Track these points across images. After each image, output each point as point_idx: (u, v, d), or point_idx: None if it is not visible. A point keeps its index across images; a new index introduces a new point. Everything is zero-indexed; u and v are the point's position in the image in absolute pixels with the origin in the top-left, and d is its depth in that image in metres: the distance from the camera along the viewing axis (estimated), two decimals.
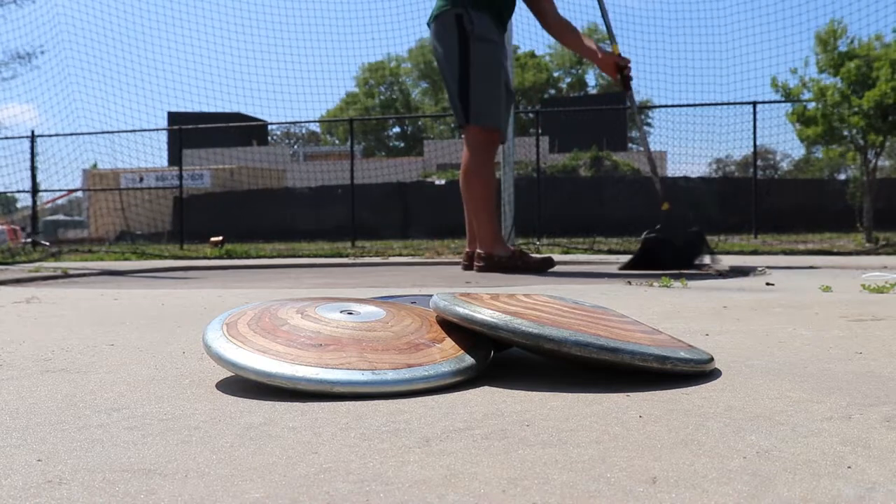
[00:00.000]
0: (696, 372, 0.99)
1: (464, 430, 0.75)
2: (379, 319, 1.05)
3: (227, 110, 21.28)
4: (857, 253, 5.93)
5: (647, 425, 0.76)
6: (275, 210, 18.51)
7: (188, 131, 16.51)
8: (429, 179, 20.52)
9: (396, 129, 47.47)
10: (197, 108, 21.97)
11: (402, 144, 45.90)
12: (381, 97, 47.49)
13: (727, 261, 4.75)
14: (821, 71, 8.46)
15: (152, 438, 0.74)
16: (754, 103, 10.96)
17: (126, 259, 7.04)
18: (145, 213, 18.10)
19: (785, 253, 6.12)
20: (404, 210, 18.15)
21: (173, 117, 24.81)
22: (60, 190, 16.23)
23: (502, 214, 7.55)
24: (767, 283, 2.73)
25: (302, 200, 18.95)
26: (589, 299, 1.30)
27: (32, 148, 11.71)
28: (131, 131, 13.85)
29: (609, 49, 4.12)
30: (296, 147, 39.55)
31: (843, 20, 8.48)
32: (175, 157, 17.61)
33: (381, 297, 1.40)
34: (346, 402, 0.87)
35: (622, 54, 4.08)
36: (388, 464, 0.65)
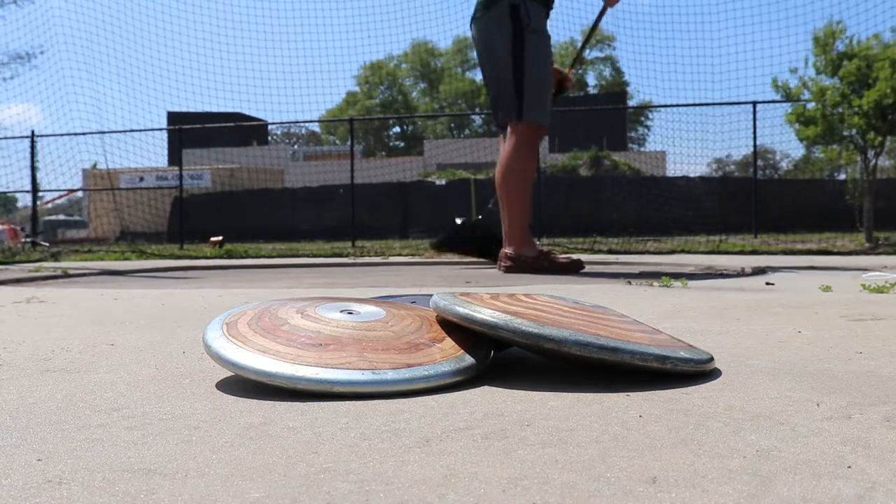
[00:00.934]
0: (696, 372, 0.99)
1: (464, 430, 0.75)
2: (379, 319, 1.05)
3: (227, 110, 21.27)
4: (857, 253, 5.93)
5: (647, 425, 0.76)
6: (275, 210, 18.51)
7: (188, 131, 16.51)
8: (429, 179, 20.51)
9: (396, 129, 47.48)
10: (197, 108, 21.96)
11: (402, 144, 45.91)
12: (381, 97, 47.50)
13: (726, 261, 4.75)
14: (818, 73, 8.46)
15: (152, 438, 0.74)
16: (754, 103, 10.96)
17: (126, 259, 7.04)
18: (145, 213, 18.09)
19: (784, 253, 6.12)
20: (404, 210, 18.14)
21: (173, 117, 24.80)
22: (60, 190, 16.24)
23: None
24: (767, 283, 2.73)
25: (302, 200, 18.95)
26: (589, 299, 1.30)
27: (32, 148, 11.71)
28: (131, 131, 13.87)
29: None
30: (296, 147, 39.55)
31: (842, 20, 8.47)
32: (175, 157, 17.61)
33: (381, 297, 1.40)
34: (346, 402, 0.87)
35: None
36: (388, 463, 0.65)
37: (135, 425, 0.79)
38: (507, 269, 3.81)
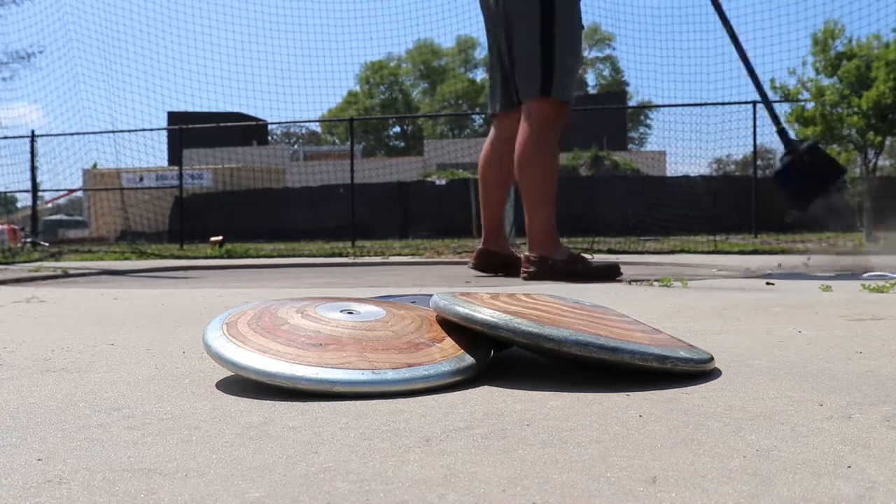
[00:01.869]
0: (696, 371, 0.99)
1: (464, 430, 0.75)
2: (379, 319, 1.05)
3: (227, 110, 21.27)
4: (857, 253, 5.93)
5: (647, 425, 0.76)
6: (275, 210, 18.51)
7: (188, 131, 16.51)
8: (429, 179, 20.51)
9: (396, 129, 47.48)
10: (197, 108, 21.96)
11: (402, 144, 45.92)
12: (382, 97, 47.51)
13: (724, 261, 4.75)
14: (817, 73, 8.48)
15: (152, 438, 0.74)
16: (754, 103, 10.95)
17: (126, 259, 7.04)
18: (146, 212, 18.09)
19: (784, 252, 6.12)
20: (404, 210, 18.15)
21: (173, 117, 24.79)
22: (60, 190, 16.24)
23: (503, 215, 7.54)
24: (768, 283, 2.73)
25: (302, 200, 18.95)
26: (589, 299, 1.29)
27: (32, 148, 11.71)
28: (131, 131, 13.84)
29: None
30: (296, 147, 39.55)
31: (840, 21, 8.50)
32: (175, 157, 17.61)
33: (381, 297, 1.40)
34: (346, 402, 0.87)
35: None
36: (388, 463, 0.65)
37: (135, 425, 0.79)
38: (531, 276, 3.19)
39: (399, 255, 6.72)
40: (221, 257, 6.99)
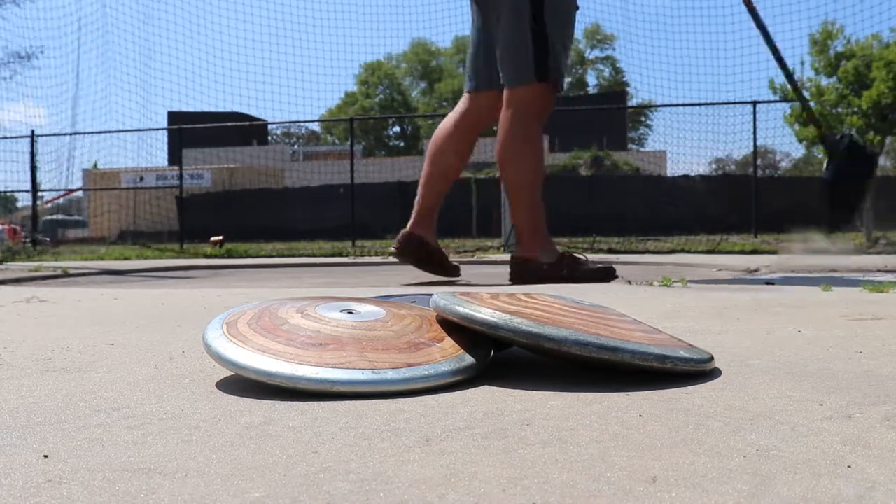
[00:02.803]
0: (696, 371, 0.99)
1: (464, 430, 0.75)
2: (379, 319, 1.05)
3: (227, 110, 21.27)
4: (857, 252, 5.93)
5: (647, 424, 0.76)
6: (275, 210, 18.51)
7: (188, 131, 16.50)
8: None
9: (396, 129, 47.47)
10: (197, 108, 21.97)
11: (402, 144, 45.91)
12: (381, 97, 47.51)
13: (724, 261, 4.75)
14: (816, 73, 8.49)
15: (152, 438, 0.74)
16: (754, 103, 10.96)
17: (126, 259, 7.04)
18: (145, 212, 18.09)
19: (784, 253, 6.12)
20: (404, 210, 18.14)
21: (173, 117, 24.80)
22: (60, 190, 16.23)
23: (502, 214, 7.54)
24: (767, 283, 2.73)
25: (302, 200, 18.95)
26: (589, 299, 1.29)
27: (32, 148, 11.71)
28: (131, 131, 13.85)
29: None
30: (295, 147, 39.56)
31: (837, 21, 8.52)
32: (175, 157, 17.60)
33: (381, 297, 1.40)
34: (346, 402, 0.87)
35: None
36: (388, 463, 0.65)
37: (135, 425, 0.79)
38: (516, 279, 3.06)
39: None
40: (221, 257, 6.99)
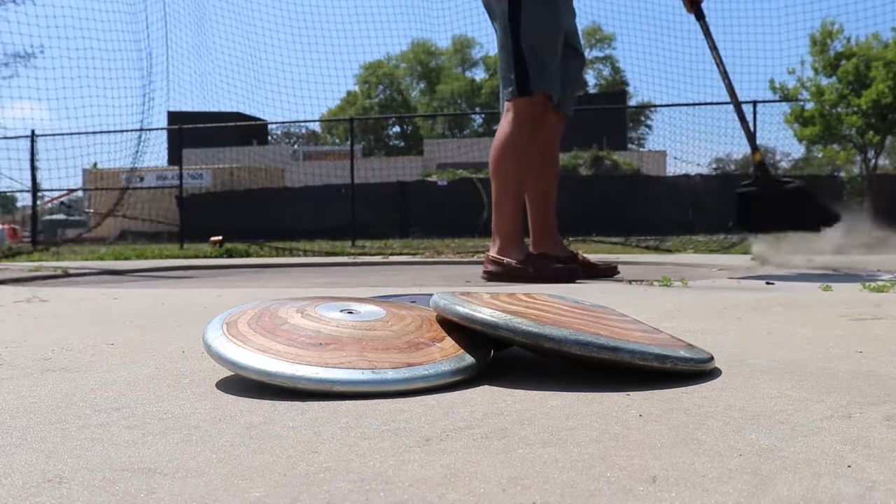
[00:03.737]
0: (696, 371, 0.99)
1: (464, 430, 0.75)
2: (379, 318, 1.05)
3: (227, 110, 21.26)
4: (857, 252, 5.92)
5: (647, 424, 0.76)
6: (275, 209, 18.50)
7: (188, 131, 16.50)
8: (429, 179, 20.51)
9: (396, 129, 47.47)
10: (197, 108, 21.96)
11: (402, 144, 45.92)
12: (381, 97, 47.52)
13: (724, 261, 4.75)
14: (816, 73, 8.49)
15: (152, 437, 0.74)
16: (754, 102, 10.95)
17: (126, 258, 7.04)
18: (146, 212, 18.09)
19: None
20: (404, 210, 18.14)
21: (173, 117, 24.80)
22: (60, 189, 16.24)
23: None
24: (767, 283, 2.73)
25: (302, 200, 18.94)
26: (589, 298, 1.29)
27: (32, 147, 11.71)
28: (131, 131, 13.83)
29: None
30: (296, 147, 39.56)
31: (837, 20, 8.51)
32: (175, 157, 17.61)
33: (381, 297, 1.40)
34: (347, 402, 0.87)
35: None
36: (389, 463, 0.65)
37: (135, 424, 0.79)
38: (490, 277, 3.21)
39: (399, 254, 6.71)
40: (221, 257, 6.99)
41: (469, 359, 0.99)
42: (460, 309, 1.02)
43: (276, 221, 17.59)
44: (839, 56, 8.14)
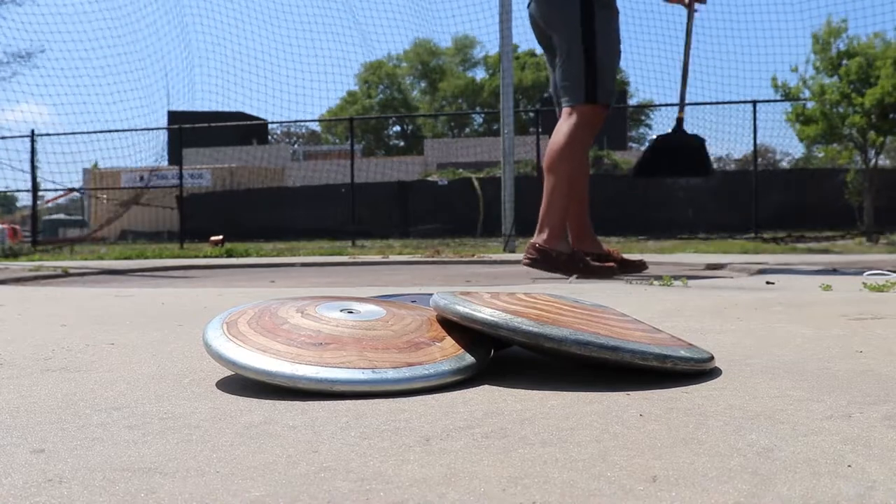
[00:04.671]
0: (696, 370, 0.99)
1: (464, 429, 0.75)
2: (379, 318, 1.05)
3: (227, 110, 21.26)
4: (858, 251, 5.93)
5: (648, 424, 0.76)
6: (275, 209, 18.49)
7: (188, 130, 16.50)
8: (430, 179, 20.51)
9: (397, 129, 47.46)
10: (197, 108, 21.95)
11: (402, 143, 45.91)
12: (381, 96, 47.50)
13: (725, 261, 4.75)
14: (818, 72, 8.48)
15: (152, 437, 0.74)
16: (754, 102, 10.96)
17: (126, 258, 7.04)
18: (146, 212, 18.09)
19: (784, 252, 6.12)
20: (404, 210, 18.14)
21: (173, 116, 24.79)
22: (60, 189, 16.24)
23: (502, 214, 7.55)
24: (768, 282, 2.73)
25: (302, 200, 18.93)
26: (589, 298, 1.29)
27: (32, 147, 11.71)
28: (131, 130, 13.85)
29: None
30: (296, 146, 39.56)
31: (840, 19, 8.50)
32: (175, 157, 17.61)
33: (382, 296, 1.40)
34: (347, 401, 0.87)
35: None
36: (389, 462, 0.65)
37: (135, 424, 0.79)
38: (532, 263, 3.38)
39: (399, 254, 6.71)
40: (221, 257, 6.99)
41: (469, 358, 0.99)
42: (460, 308, 1.02)
43: (276, 221, 17.58)
44: (842, 55, 8.12)
